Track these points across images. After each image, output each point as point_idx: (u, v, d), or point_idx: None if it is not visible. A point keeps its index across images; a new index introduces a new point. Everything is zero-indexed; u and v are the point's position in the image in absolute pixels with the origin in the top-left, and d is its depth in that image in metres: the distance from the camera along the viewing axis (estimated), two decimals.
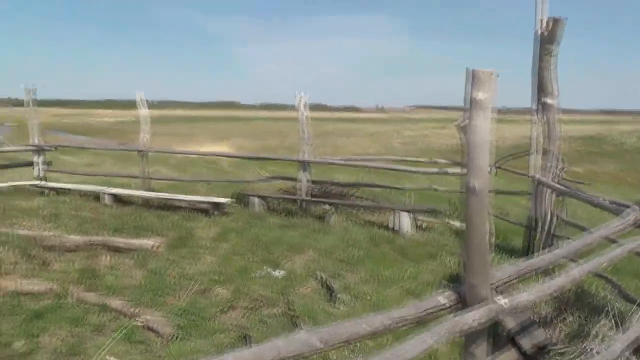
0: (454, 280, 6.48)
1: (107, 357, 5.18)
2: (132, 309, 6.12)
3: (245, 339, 5.45)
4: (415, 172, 10.53)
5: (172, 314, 6.01)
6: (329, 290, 6.64)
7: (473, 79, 2.82)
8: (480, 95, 2.79)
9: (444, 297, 3.06)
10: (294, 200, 10.50)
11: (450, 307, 3.05)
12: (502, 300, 3.14)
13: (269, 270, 7.35)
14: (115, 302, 6.30)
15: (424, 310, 2.91)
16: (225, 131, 44.47)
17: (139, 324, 5.50)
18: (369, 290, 6.55)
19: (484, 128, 2.82)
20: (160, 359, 5.16)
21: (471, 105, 2.84)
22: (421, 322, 2.90)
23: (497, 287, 3.23)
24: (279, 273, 7.28)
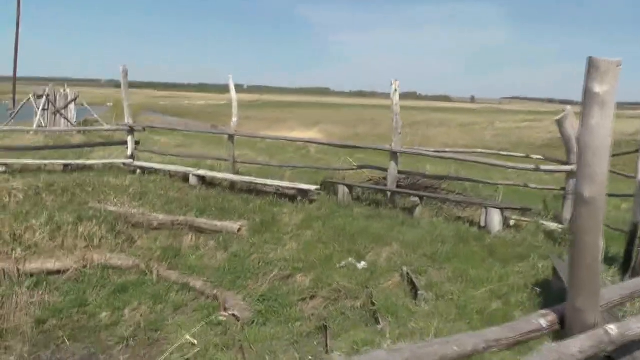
0: (545, 287, 6.14)
1: (186, 336, 5.38)
2: (212, 291, 6.31)
3: (323, 330, 5.46)
4: (509, 168, 10.10)
5: (251, 298, 6.12)
6: (413, 286, 6.51)
7: (591, 68, 2.46)
8: (599, 88, 2.43)
9: (543, 319, 2.70)
10: (381, 191, 10.39)
11: (548, 330, 2.73)
12: (613, 329, 2.67)
13: (351, 261, 7.30)
14: (197, 282, 6.52)
15: (521, 334, 2.61)
16: (315, 117, 44.84)
17: (223, 317, 5.60)
18: (454, 290, 6.33)
19: (604, 127, 2.45)
20: (237, 343, 5.26)
21: (587, 100, 2.49)
22: (516, 345, 2.62)
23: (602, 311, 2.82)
24: (361, 264, 7.22)
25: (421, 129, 36.82)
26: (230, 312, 5.63)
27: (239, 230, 8.13)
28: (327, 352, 4.94)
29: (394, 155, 10.14)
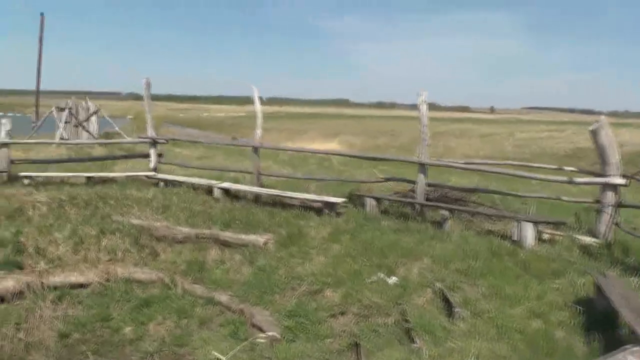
0: (587, 305, 6.01)
1: (212, 352, 5.35)
2: (238, 305, 6.29)
3: (355, 347, 5.39)
4: (543, 180, 9.98)
5: (279, 314, 6.09)
6: (446, 302, 6.42)
7: None
8: None
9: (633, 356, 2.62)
10: (409, 204, 10.33)
11: None
12: None
13: (382, 276, 7.24)
14: (222, 297, 6.52)
15: None
16: (336, 128, 44.92)
17: (262, 340, 5.53)
18: (491, 308, 6.24)
19: None
20: None
21: None
22: None
23: None
24: (392, 280, 7.16)
25: (442, 140, 36.56)
26: (270, 333, 5.54)
27: (264, 243, 8.12)
28: None
29: (422, 167, 10.09)
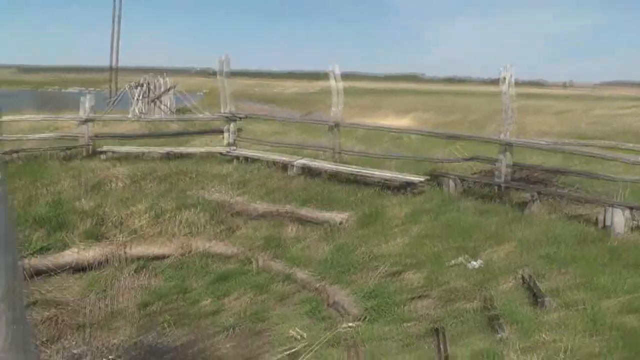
0: None
1: (291, 330, 5.43)
2: (316, 284, 6.33)
3: (436, 332, 5.32)
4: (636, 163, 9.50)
5: (357, 294, 6.09)
6: (532, 290, 6.22)
7: None
8: None
9: None
10: (490, 184, 10.11)
11: None
12: None
13: (464, 259, 7.12)
14: (300, 274, 6.58)
15: None
16: (408, 104, 44.22)
17: (349, 328, 5.51)
18: (581, 299, 5.98)
19: None
20: (344, 341, 5.23)
21: None
22: None
23: None
24: (475, 263, 7.02)
25: (515, 117, 35.30)
26: (356, 323, 5.53)
27: (342, 222, 8.14)
28: (445, 358, 4.81)
29: (505, 146, 9.83)
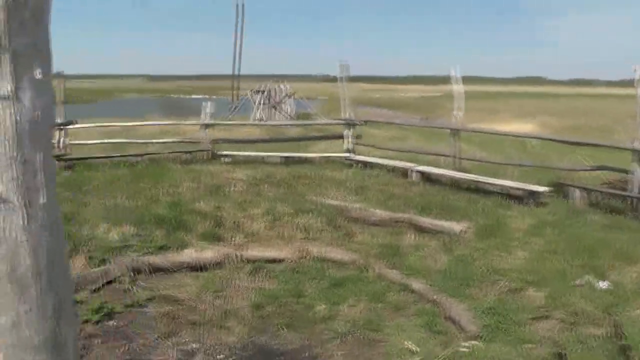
0: None
1: (406, 342, 5.34)
2: (434, 295, 6.21)
3: (560, 358, 5.03)
4: None
5: (476, 309, 5.89)
6: None
7: None
8: None
9: None
10: (621, 197, 9.49)
11: None
12: None
13: (590, 279, 6.69)
14: (417, 284, 6.47)
15: None
16: (530, 108, 42.38)
17: (464, 349, 5.37)
18: None
19: None
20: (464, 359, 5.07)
21: None
22: None
23: None
24: (603, 285, 6.55)
25: None
26: (473, 342, 5.37)
27: (461, 231, 7.96)
28: None
29: (639, 154, 9.21)
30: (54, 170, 2.36)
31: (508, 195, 9.73)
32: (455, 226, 8.07)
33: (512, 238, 8.00)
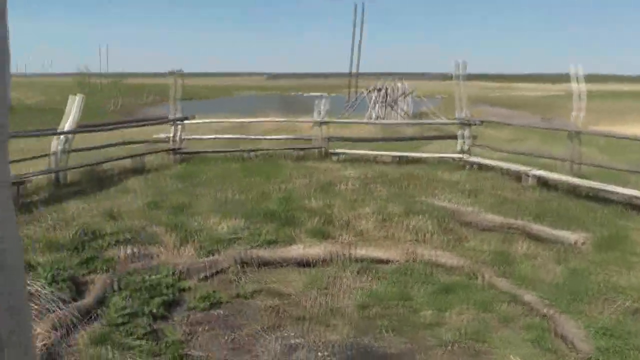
0: None
1: (512, 356, 5.11)
2: (544, 309, 5.89)
3: None
4: None
5: (590, 328, 5.51)
6: None
7: None
8: None
9: None
10: None
11: None
12: None
13: None
14: (528, 296, 6.18)
15: None
16: None
17: None
18: None
19: None
20: None
21: None
22: None
23: None
24: None
25: None
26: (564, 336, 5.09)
27: (576, 242, 7.52)
28: None
29: None
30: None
31: (630, 205, 9.08)
32: (571, 236, 7.63)
33: (634, 253, 7.41)
